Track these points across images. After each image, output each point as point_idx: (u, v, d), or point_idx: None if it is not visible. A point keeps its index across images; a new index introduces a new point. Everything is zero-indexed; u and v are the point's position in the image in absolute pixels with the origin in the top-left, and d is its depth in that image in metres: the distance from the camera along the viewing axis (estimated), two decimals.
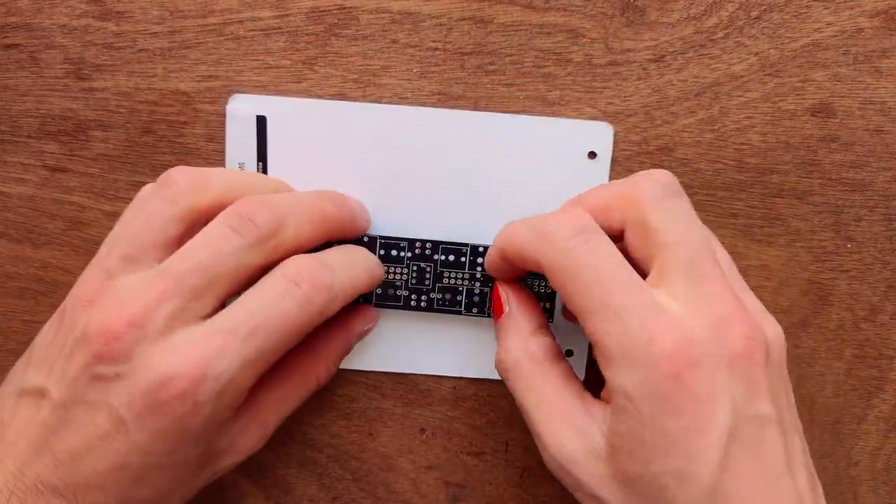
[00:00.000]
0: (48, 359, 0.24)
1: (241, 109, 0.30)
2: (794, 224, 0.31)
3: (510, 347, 0.27)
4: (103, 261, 0.25)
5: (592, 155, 0.30)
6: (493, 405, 0.32)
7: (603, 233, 0.24)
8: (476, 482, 0.33)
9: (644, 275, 0.25)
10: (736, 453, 0.22)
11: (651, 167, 0.30)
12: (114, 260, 0.25)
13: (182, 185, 0.26)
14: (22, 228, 0.31)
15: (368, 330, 0.31)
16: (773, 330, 0.25)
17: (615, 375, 0.23)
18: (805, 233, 0.31)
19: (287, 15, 0.29)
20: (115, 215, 0.31)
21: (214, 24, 0.29)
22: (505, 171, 0.30)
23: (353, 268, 0.27)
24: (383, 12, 0.29)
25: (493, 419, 0.32)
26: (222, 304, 0.25)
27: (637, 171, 0.30)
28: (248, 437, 0.26)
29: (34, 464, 0.23)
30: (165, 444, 0.23)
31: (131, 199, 0.31)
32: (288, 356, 0.26)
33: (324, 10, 0.29)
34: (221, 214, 0.25)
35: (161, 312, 0.23)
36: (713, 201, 0.31)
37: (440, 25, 0.29)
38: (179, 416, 0.23)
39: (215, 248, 0.24)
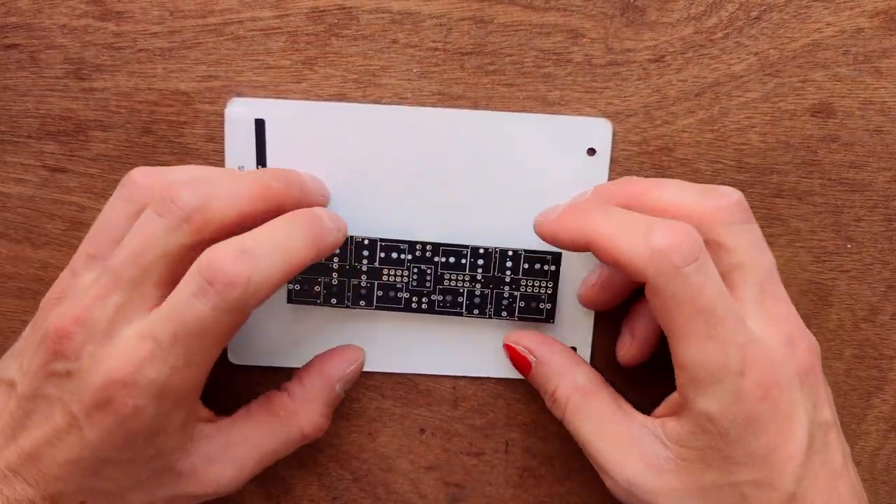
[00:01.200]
0: (22, 352, 0.26)
1: (240, 113, 0.30)
2: (794, 224, 0.31)
3: (559, 387, 0.28)
4: (73, 261, 0.26)
5: (591, 151, 0.30)
6: (493, 405, 0.32)
7: (710, 257, 0.25)
8: (476, 482, 0.33)
9: None
10: (811, 460, 0.25)
11: (651, 167, 0.30)
12: (80, 259, 0.26)
13: (139, 184, 0.26)
14: (22, 228, 0.31)
15: (353, 372, 0.30)
16: (814, 337, 0.26)
17: (702, 398, 0.25)
18: (805, 233, 0.31)
19: (287, 15, 0.29)
20: None
21: (214, 24, 0.29)
22: (504, 170, 0.30)
23: (285, 245, 0.25)
24: (383, 12, 0.29)
25: (493, 419, 0.32)
26: (173, 285, 0.25)
27: (637, 171, 0.30)
28: (218, 470, 0.27)
29: (3, 451, 0.25)
30: (113, 441, 0.24)
31: None
32: (270, 396, 0.29)
33: (324, 10, 0.29)
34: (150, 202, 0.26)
35: (103, 311, 0.24)
36: None
37: (440, 25, 0.29)
38: (123, 417, 0.24)
39: (143, 234, 0.24)
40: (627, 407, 0.28)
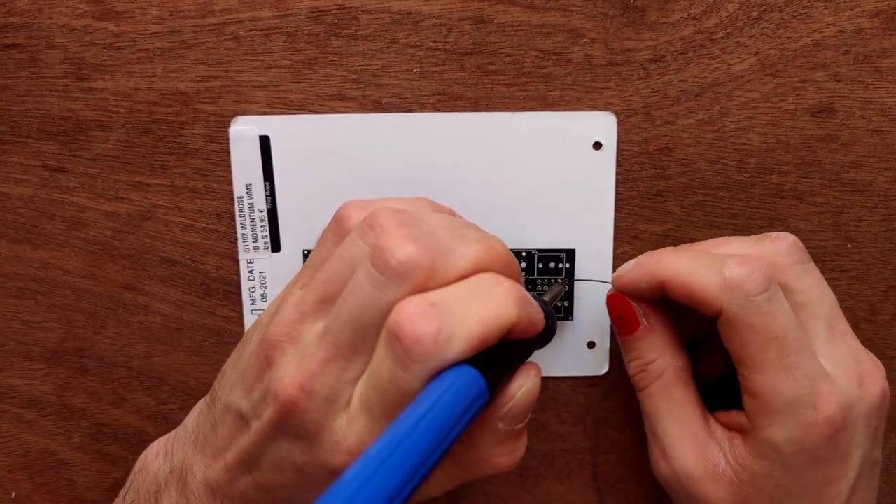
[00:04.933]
0: (247, 383, 0.24)
1: (244, 131, 0.30)
2: (794, 224, 0.31)
3: (658, 360, 0.28)
4: (301, 299, 0.24)
5: (598, 146, 0.30)
6: None
7: (780, 288, 0.26)
8: (476, 482, 0.33)
9: None
10: (853, 498, 0.26)
11: (651, 167, 0.30)
12: (308, 302, 0.24)
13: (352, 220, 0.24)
14: (22, 228, 0.31)
15: (518, 403, 0.23)
16: (883, 374, 0.27)
17: (770, 427, 0.25)
18: (805, 233, 0.31)
19: (287, 15, 0.29)
20: (114, 215, 0.31)
21: (214, 24, 0.29)
22: (512, 170, 0.30)
23: (484, 300, 0.21)
24: (383, 12, 0.29)
25: None
26: None
27: (637, 170, 0.30)
28: None
29: (241, 479, 0.25)
30: None
31: (131, 199, 0.31)
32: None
33: (324, 10, 0.29)
34: None
35: (326, 378, 0.22)
36: (713, 201, 0.31)
37: (440, 25, 0.29)
38: None
39: (357, 293, 0.22)
40: (703, 406, 0.28)
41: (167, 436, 0.28)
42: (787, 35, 0.30)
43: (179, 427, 0.28)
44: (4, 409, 0.32)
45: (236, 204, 0.31)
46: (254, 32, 0.29)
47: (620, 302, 0.29)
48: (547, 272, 0.30)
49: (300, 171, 0.30)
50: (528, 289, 0.30)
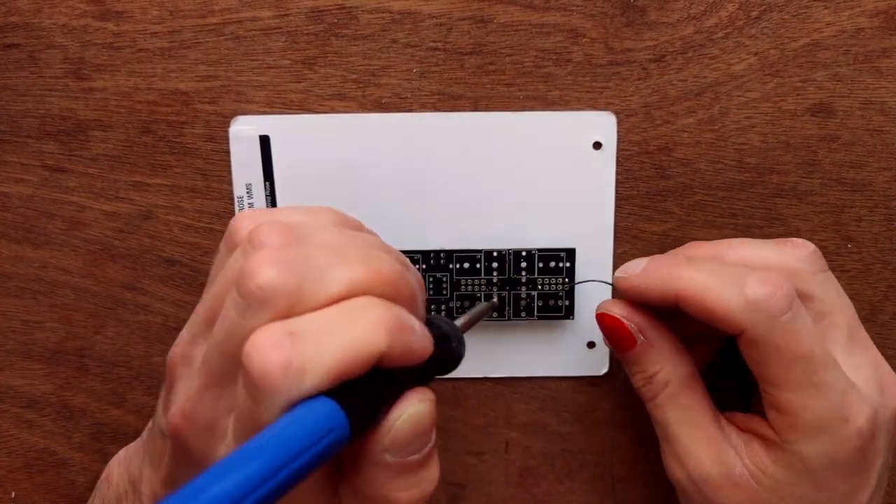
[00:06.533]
0: (164, 405, 0.24)
1: (244, 130, 0.30)
2: (794, 224, 0.31)
3: (661, 371, 0.27)
4: (194, 319, 0.23)
5: (598, 145, 0.30)
6: (493, 405, 0.32)
7: (802, 305, 0.25)
8: (476, 482, 0.33)
9: None
10: (871, 503, 0.26)
11: (651, 167, 0.30)
12: (196, 324, 0.23)
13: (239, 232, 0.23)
14: (22, 228, 0.31)
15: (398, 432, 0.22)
16: None
17: (799, 442, 0.25)
18: (805, 233, 0.31)
19: (287, 15, 0.29)
20: (114, 215, 0.31)
21: (214, 24, 0.29)
22: (512, 170, 0.30)
23: (348, 326, 0.20)
24: (383, 12, 0.29)
25: (493, 419, 0.32)
26: None
27: (637, 171, 0.30)
28: None
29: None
30: None
31: (131, 199, 0.31)
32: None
33: (324, 10, 0.29)
34: None
35: (203, 405, 0.22)
36: (713, 201, 0.31)
37: (440, 25, 0.29)
38: None
39: (224, 322, 0.21)
40: (715, 409, 0.28)
41: (129, 446, 0.29)
42: (787, 35, 0.30)
43: (139, 437, 0.28)
44: (4, 409, 0.32)
45: (236, 204, 0.31)
46: (254, 32, 0.29)
47: (612, 321, 0.28)
48: (547, 272, 0.30)
49: (300, 171, 0.30)
50: (531, 288, 0.30)
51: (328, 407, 0.19)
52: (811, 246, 0.27)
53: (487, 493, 0.33)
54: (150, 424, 0.27)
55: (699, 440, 0.27)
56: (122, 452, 0.29)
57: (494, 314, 0.30)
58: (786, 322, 0.24)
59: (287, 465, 0.18)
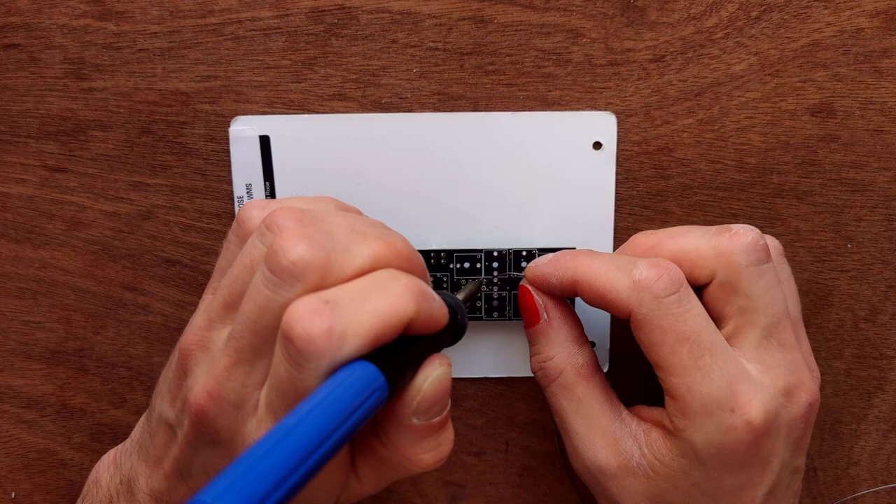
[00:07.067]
0: (172, 393, 0.25)
1: (244, 130, 0.30)
2: (794, 224, 0.31)
3: (555, 357, 0.28)
4: (209, 306, 0.24)
5: (598, 145, 0.30)
6: (493, 405, 0.32)
7: (692, 290, 0.25)
8: (476, 482, 0.33)
9: (715, 322, 0.26)
10: (768, 503, 0.26)
11: (651, 167, 0.30)
12: (215, 308, 0.24)
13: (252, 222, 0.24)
14: (22, 228, 0.31)
15: (428, 393, 0.23)
16: (817, 383, 0.27)
17: (688, 429, 0.25)
18: (805, 233, 0.31)
19: (287, 15, 0.29)
20: (114, 215, 0.31)
21: (214, 24, 0.29)
22: (512, 170, 0.30)
23: (379, 294, 0.21)
24: (383, 12, 0.29)
25: (493, 419, 0.32)
26: None
27: (637, 170, 0.30)
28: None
29: (179, 487, 0.25)
30: None
31: (131, 199, 0.31)
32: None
33: (324, 10, 0.29)
34: None
35: (233, 383, 0.22)
36: (713, 201, 0.31)
37: (440, 25, 0.29)
38: None
39: (255, 297, 0.22)
40: (615, 400, 0.28)
41: (118, 447, 0.29)
42: (787, 35, 0.30)
43: (128, 438, 0.28)
44: (4, 409, 0.32)
45: (236, 204, 0.31)
46: (254, 32, 0.29)
47: (524, 294, 0.28)
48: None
49: (300, 171, 0.30)
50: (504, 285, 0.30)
51: (369, 370, 0.20)
52: (752, 235, 0.26)
53: (487, 493, 0.33)
54: (141, 423, 0.27)
55: (594, 431, 0.27)
56: (108, 455, 0.28)
57: (495, 314, 0.30)
58: (670, 303, 0.24)
59: (339, 427, 0.19)
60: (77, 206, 0.31)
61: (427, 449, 0.23)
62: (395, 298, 0.21)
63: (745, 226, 0.26)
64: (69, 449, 0.33)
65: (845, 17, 0.29)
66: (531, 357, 0.29)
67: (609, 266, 0.26)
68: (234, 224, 0.25)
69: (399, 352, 0.22)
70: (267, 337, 0.22)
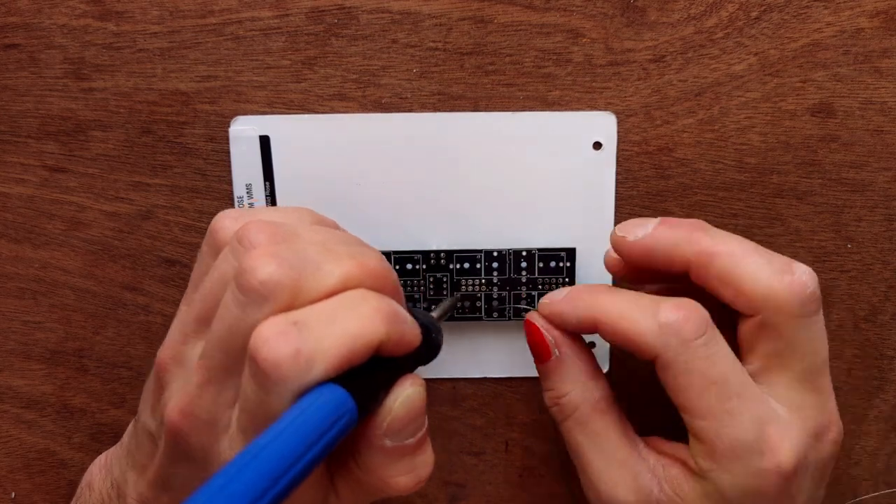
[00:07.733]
0: (152, 404, 0.25)
1: (244, 131, 0.30)
2: (794, 224, 0.31)
3: (570, 394, 0.27)
4: (183, 320, 0.24)
5: (598, 146, 0.30)
6: (493, 405, 0.32)
7: (717, 331, 0.24)
8: (476, 482, 0.33)
9: (737, 353, 0.25)
10: None
11: (651, 167, 0.30)
12: (189, 322, 0.23)
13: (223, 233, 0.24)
14: (22, 228, 0.31)
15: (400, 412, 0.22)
16: (841, 425, 0.26)
17: (714, 471, 0.24)
18: (805, 233, 0.31)
19: (287, 15, 0.29)
20: (114, 215, 0.31)
21: (214, 24, 0.29)
22: (512, 171, 0.30)
23: (348, 315, 0.21)
24: (383, 12, 0.29)
25: (493, 419, 0.32)
26: None
27: (637, 171, 0.30)
28: None
29: (162, 496, 0.24)
30: None
31: (131, 199, 0.31)
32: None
33: (324, 10, 0.29)
34: None
35: (204, 400, 0.22)
36: (713, 201, 0.31)
37: (440, 25, 0.29)
38: None
39: (224, 316, 0.22)
40: (632, 433, 0.27)
41: (109, 450, 0.29)
42: (787, 35, 0.30)
43: (119, 442, 0.28)
44: (4, 409, 0.32)
45: (236, 204, 0.31)
46: (253, 32, 0.29)
47: (532, 330, 0.27)
48: (547, 272, 0.30)
49: (300, 171, 0.30)
50: (531, 288, 0.30)
51: (338, 393, 0.20)
52: (812, 285, 0.25)
53: (487, 493, 0.33)
54: (130, 428, 0.27)
55: (611, 466, 0.26)
56: (102, 458, 0.28)
57: (495, 314, 0.30)
58: (698, 346, 0.24)
59: (308, 450, 0.19)
60: (77, 206, 0.31)
61: (402, 471, 0.23)
62: (364, 320, 0.21)
63: (807, 270, 0.25)
64: (69, 449, 0.33)
65: (845, 17, 0.29)
66: (544, 392, 0.28)
67: (631, 306, 0.25)
68: (207, 235, 0.24)
69: (369, 374, 0.21)
70: (237, 357, 0.21)
